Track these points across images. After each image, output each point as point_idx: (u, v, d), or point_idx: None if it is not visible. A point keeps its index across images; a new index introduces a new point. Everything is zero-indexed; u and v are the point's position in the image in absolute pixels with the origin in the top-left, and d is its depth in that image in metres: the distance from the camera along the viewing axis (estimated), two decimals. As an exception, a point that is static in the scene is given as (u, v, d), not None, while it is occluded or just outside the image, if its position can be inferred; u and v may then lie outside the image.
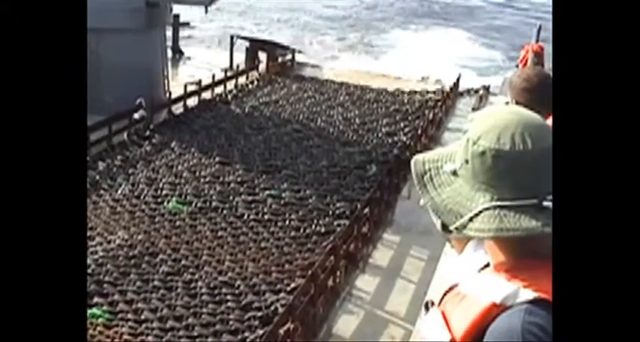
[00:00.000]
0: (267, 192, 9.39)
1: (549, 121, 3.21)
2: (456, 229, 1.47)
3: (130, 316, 6.40)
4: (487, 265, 1.58)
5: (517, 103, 3.37)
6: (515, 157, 1.39)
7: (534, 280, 1.40)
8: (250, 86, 15.16)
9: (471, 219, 1.43)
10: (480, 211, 1.42)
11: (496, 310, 1.42)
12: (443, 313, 1.57)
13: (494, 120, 1.45)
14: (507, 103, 3.74)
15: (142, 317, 6.39)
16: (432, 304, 1.65)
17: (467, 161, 1.46)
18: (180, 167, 10.13)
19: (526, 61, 10.11)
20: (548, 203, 1.37)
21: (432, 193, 1.52)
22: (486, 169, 1.42)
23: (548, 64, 9.46)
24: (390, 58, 26.34)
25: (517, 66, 11.94)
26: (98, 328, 6.17)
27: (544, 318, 1.34)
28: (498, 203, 1.41)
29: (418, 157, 1.60)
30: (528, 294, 1.39)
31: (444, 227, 1.53)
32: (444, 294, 1.64)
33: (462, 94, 15.56)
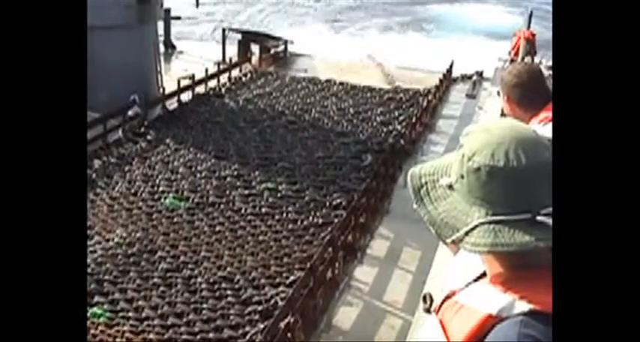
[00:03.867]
0: (263, 185, 9.41)
1: (539, 119, 3.26)
2: (452, 242, 1.50)
3: (130, 314, 6.44)
4: (484, 274, 1.61)
5: (509, 98, 3.42)
6: (510, 173, 1.41)
7: (529, 292, 1.42)
8: (244, 79, 15.12)
9: (466, 233, 1.46)
10: (476, 226, 1.44)
11: (492, 322, 1.44)
12: (441, 322, 1.60)
13: (489, 136, 1.47)
14: (498, 92, 3.81)
15: (143, 315, 6.43)
16: (431, 297, 1.67)
17: (462, 176, 1.49)
18: (176, 163, 10.14)
19: (518, 48, 10.11)
20: (542, 218, 1.39)
21: (429, 207, 1.55)
22: (481, 185, 1.45)
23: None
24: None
25: (509, 53, 11.96)
26: (100, 328, 6.20)
27: (539, 330, 1.36)
28: (493, 218, 1.43)
29: (414, 171, 1.62)
30: (524, 306, 1.41)
31: (439, 235, 1.55)
32: (442, 301, 1.67)
33: (455, 80, 15.54)
